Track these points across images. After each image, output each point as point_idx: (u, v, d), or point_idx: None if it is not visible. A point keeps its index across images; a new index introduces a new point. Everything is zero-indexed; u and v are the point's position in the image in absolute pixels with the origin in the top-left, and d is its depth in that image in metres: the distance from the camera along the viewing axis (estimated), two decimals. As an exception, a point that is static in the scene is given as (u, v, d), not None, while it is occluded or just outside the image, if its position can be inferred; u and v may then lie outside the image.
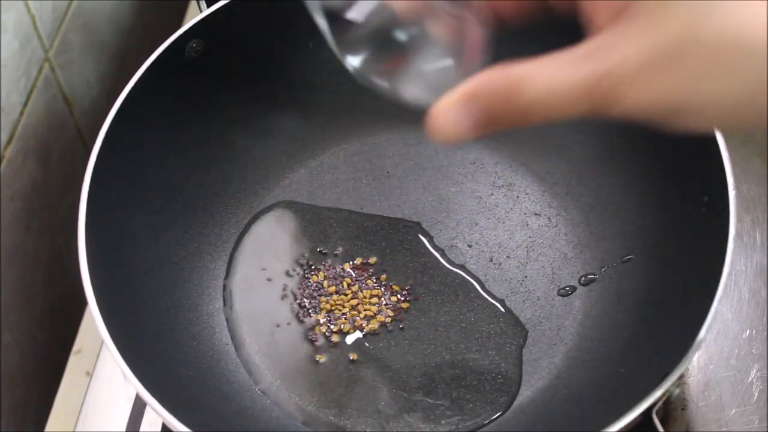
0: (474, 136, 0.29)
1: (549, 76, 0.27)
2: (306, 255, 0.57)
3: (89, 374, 0.57)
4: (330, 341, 0.53)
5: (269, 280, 0.56)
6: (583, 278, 0.54)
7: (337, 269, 0.56)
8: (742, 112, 0.26)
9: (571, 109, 0.27)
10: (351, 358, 0.52)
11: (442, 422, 0.50)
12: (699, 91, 0.25)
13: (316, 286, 0.55)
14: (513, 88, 0.27)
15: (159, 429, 0.54)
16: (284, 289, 0.56)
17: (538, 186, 0.59)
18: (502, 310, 0.54)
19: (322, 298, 0.55)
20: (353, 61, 0.33)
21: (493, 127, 0.28)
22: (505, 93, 0.27)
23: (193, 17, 0.54)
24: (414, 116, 0.61)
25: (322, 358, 0.53)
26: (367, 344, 0.53)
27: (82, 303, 0.45)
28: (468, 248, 0.57)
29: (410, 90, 0.33)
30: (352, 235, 0.58)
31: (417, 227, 0.58)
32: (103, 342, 0.43)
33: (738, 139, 0.62)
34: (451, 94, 0.28)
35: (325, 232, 0.58)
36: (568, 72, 0.27)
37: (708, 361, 0.52)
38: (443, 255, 0.56)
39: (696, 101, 0.26)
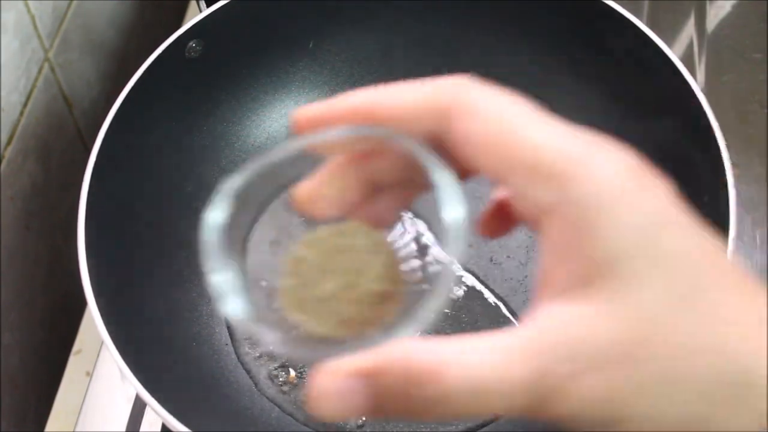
0: (360, 416, 0.23)
1: (475, 368, 0.21)
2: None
3: (89, 374, 0.57)
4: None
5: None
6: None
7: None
8: None
9: (498, 408, 0.22)
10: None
11: (443, 422, 0.50)
12: (644, 402, 0.21)
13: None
14: (424, 378, 0.21)
15: (159, 429, 0.54)
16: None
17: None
18: (503, 310, 0.54)
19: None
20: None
21: (389, 414, 0.23)
22: (415, 381, 0.21)
23: (193, 17, 0.54)
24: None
25: (322, 358, 0.53)
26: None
27: (82, 303, 0.45)
28: (468, 248, 0.57)
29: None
30: (352, 235, 0.58)
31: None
32: (103, 342, 0.43)
33: (738, 139, 0.62)
34: (344, 362, 0.23)
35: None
36: (503, 364, 0.21)
37: (708, 361, 0.52)
38: (443, 255, 0.56)
39: (630, 413, 0.21)
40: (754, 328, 0.22)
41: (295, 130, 0.26)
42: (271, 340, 0.24)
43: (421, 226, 0.28)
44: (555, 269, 0.23)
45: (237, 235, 0.27)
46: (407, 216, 0.28)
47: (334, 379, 0.23)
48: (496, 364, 0.21)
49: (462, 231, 0.24)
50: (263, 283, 0.29)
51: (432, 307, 0.23)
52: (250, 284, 0.27)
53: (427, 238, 0.28)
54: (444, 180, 0.24)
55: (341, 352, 0.22)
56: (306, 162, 0.26)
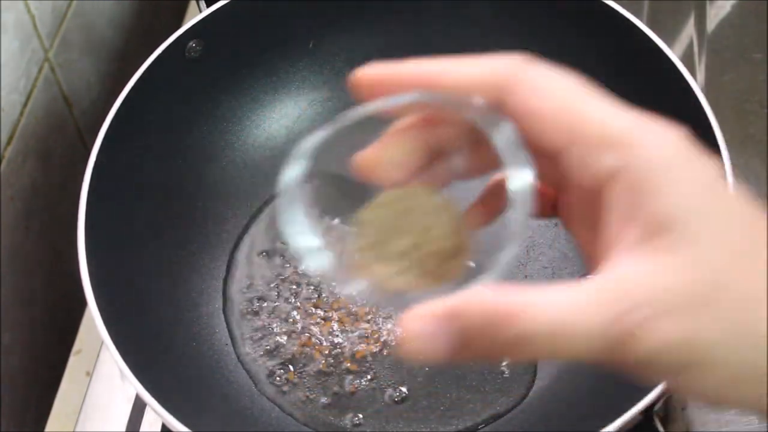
0: (446, 359, 0.24)
1: (555, 314, 0.23)
2: (306, 255, 0.57)
3: (89, 374, 0.57)
4: (330, 342, 0.53)
5: (269, 280, 0.56)
6: (583, 278, 0.54)
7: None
8: (752, 386, 0.23)
9: (575, 351, 0.23)
10: (350, 367, 0.53)
11: (443, 422, 0.50)
12: (720, 346, 0.23)
13: (317, 287, 0.55)
14: (506, 319, 0.23)
15: (159, 429, 0.54)
16: (285, 290, 0.56)
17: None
18: (502, 310, 0.54)
19: (321, 300, 0.55)
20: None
21: (472, 356, 0.24)
22: (496, 322, 0.23)
23: (193, 17, 0.54)
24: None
25: (322, 358, 0.53)
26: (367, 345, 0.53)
27: (82, 303, 0.45)
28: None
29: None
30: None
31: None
32: (103, 342, 0.43)
33: (738, 139, 0.62)
34: (431, 305, 0.24)
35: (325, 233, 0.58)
36: (580, 311, 0.23)
37: (708, 361, 0.52)
38: (443, 255, 0.56)
39: (710, 357, 0.23)
40: None
41: (354, 90, 0.27)
42: (360, 288, 0.27)
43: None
44: (620, 229, 0.24)
45: (310, 196, 0.28)
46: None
47: (422, 322, 0.23)
48: (575, 308, 0.23)
49: (529, 194, 0.25)
50: (335, 243, 0.29)
51: (507, 256, 0.25)
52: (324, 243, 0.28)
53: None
54: (509, 145, 0.25)
55: (425, 299, 0.24)
56: (370, 127, 0.27)
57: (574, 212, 0.28)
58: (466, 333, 0.23)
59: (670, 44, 0.51)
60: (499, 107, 0.25)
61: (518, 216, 0.25)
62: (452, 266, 0.27)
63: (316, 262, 0.27)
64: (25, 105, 0.59)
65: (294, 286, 0.56)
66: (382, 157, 0.28)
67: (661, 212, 0.23)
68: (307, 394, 0.52)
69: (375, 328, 0.54)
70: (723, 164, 0.45)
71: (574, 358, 0.24)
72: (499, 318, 0.23)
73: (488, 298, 0.23)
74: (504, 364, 0.52)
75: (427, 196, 0.28)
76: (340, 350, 0.53)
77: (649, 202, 0.24)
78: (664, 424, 0.47)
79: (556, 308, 0.23)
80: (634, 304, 0.23)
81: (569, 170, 0.25)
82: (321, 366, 0.52)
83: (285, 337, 0.54)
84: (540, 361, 0.48)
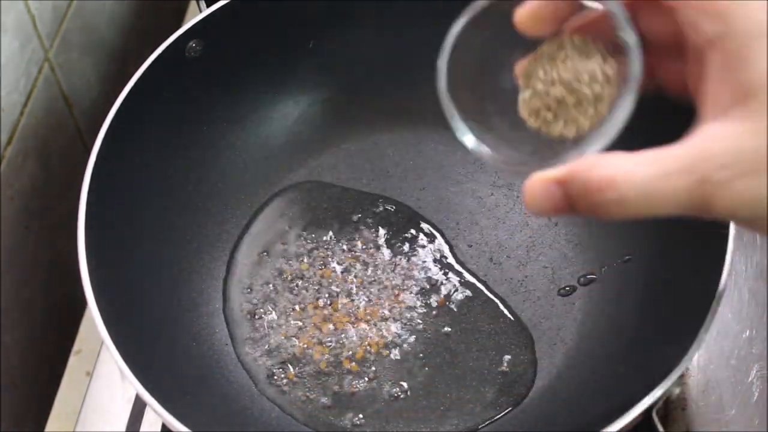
0: (556, 215, 0.30)
1: (643, 179, 0.27)
2: (306, 254, 0.57)
3: (89, 374, 0.57)
4: (330, 342, 0.53)
5: (269, 280, 0.56)
6: (582, 278, 0.54)
7: (338, 270, 0.56)
8: None
9: (666, 209, 0.27)
10: (350, 367, 0.53)
11: (443, 422, 0.50)
12: None
13: (317, 287, 0.55)
14: (602, 186, 0.27)
15: (159, 429, 0.54)
16: (285, 290, 0.56)
17: (538, 186, 0.59)
18: (503, 310, 0.54)
19: (321, 300, 0.55)
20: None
21: (575, 213, 0.29)
22: (595, 188, 0.28)
23: (193, 17, 0.54)
24: (415, 116, 0.61)
25: (322, 358, 0.53)
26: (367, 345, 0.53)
27: (82, 303, 0.45)
28: (468, 248, 0.57)
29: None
30: (352, 235, 0.58)
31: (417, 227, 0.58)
32: (103, 342, 0.43)
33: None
34: (549, 171, 0.29)
35: (325, 233, 0.58)
36: (666, 174, 0.27)
37: (708, 361, 0.52)
38: (443, 255, 0.56)
39: None
40: None
41: None
42: (498, 159, 0.33)
43: None
44: (716, 92, 0.28)
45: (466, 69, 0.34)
46: None
47: (540, 185, 0.29)
48: (665, 172, 0.27)
49: (639, 51, 0.30)
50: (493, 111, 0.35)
51: (620, 118, 0.30)
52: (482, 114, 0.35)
53: None
54: (620, 11, 0.30)
55: (547, 166, 0.30)
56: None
57: (692, 76, 0.30)
58: (570, 195, 0.29)
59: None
60: None
61: (632, 66, 0.30)
62: (597, 111, 0.33)
63: (468, 141, 0.34)
64: (25, 105, 0.59)
65: (294, 286, 0.56)
66: (538, 10, 0.32)
67: (748, 79, 0.26)
68: (307, 394, 0.52)
69: (375, 328, 0.54)
70: None
71: (663, 215, 0.27)
72: (596, 185, 0.28)
73: (587, 168, 0.28)
74: (504, 364, 0.52)
75: (576, 44, 0.33)
76: (340, 350, 0.53)
77: (739, 70, 0.27)
78: (664, 424, 0.47)
79: (647, 175, 0.27)
80: (714, 167, 0.26)
81: (683, 28, 0.29)
82: (321, 366, 0.52)
83: (285, 337, 0.54)
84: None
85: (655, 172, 0.27)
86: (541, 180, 0.30)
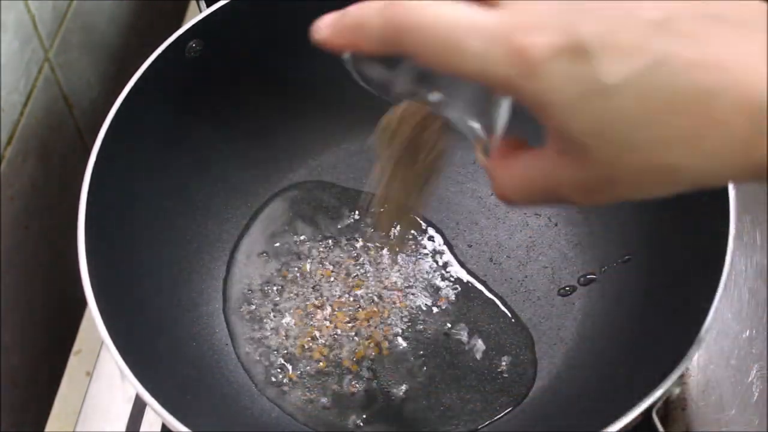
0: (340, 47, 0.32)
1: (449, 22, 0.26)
2: (306, 254, 0.57)
3: (89, 374, 0.57)
4: (330, 342, 0.53)
5: (269, 280, 0.56)
6: (582, 278, 0.54)
7: (338, 270, 0.56)
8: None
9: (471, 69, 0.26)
10: (350, 367, 0.53)
11: (443, 422, 0.50)
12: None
13: (317, 287, 0.55)
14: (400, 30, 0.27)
15: (159, 429, 0.54)
16: (285, 290, 0.56)
17: (538, 186, 0.59)
18: (503, 310, 0.54)
19: (321, 300, 0.55)
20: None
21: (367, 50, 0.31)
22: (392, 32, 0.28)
23: (193, 17, 0.54)
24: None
25: (322, 358, 0.53)
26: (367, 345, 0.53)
27: (82, 303, 0.45)
28: (468, 248, 0.57)
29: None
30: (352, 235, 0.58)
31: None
32: (103, 342, 0.43)
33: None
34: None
35: (325, 233, 0.58)
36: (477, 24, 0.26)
37: (708, 361, 0.52)
38: (443, 255, 0.56)
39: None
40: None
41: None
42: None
43: None
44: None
45: None
46: None
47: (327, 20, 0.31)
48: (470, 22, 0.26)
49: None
50: None
51: None
52: None
53: None
54: None
55: None
56: None
57: None
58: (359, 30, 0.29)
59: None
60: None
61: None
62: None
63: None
64: (25, 105, 0.59)
65: (294, 286, 0.56)
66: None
67: None
68: (307, 394, 0.52)
69: (375, 328, 0.54)
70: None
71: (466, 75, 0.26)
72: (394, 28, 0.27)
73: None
74: (504, 364, 0.52)
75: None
76: (340, 350, 0.53)
77: None
78: (664, 424, 0.47)
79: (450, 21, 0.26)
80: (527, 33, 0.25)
81: None
82: (321, 366, 0.52)
83: (285, 337, 0.54)
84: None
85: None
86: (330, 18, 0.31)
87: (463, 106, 0.31)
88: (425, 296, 0.55)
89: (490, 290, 0.55)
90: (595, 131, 0.25)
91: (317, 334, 0.54)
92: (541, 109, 0.26)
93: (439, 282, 0.55)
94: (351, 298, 0.55)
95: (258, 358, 0.53)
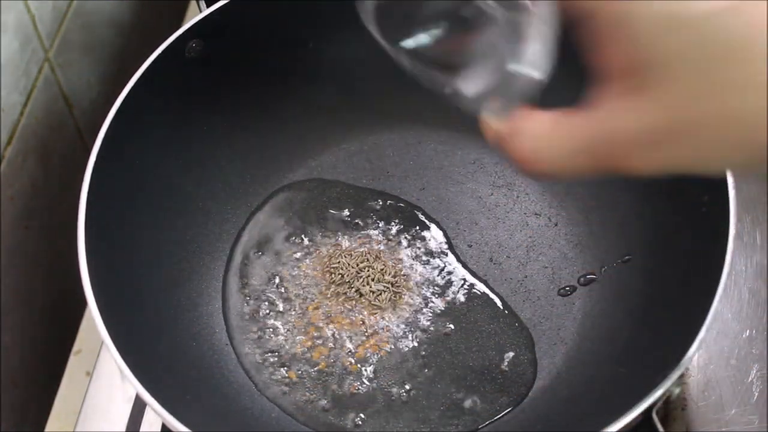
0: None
1: (553, 160, 0.29)
2: (306, 254, 0.57)
3: (89, 374, 0.57)
4: (330, 342, 0.53)
5: (269, 280, 0.56)
6: (583, 278, 0.54)
7: (338, 270, 0.56)
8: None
9: (578, 176, 0.29)
10: (350, 367, 0.53)
11: (443, 422, 0.50)
12: (702, 164, 0.27)
13: (317, 287, 0.55)
14: (521, 160, 0.30)
15: (159, 429, 0.54)
16: (285, 290, 0.56)
17: (538, 186, 0.59)
18: (502, 310, 0.54)
19: (321, 300, 0.55)
20: (409, 42, 0.33)
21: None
22: (517, 159, 0.30)
23: (193, 17, 0.54)
24: (414, 116, 0.61)
25: (322, 358, 0.53)
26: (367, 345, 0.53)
27: (82, 303, 0.45)
28: (468, 248, 0.57)
29: (470, 84, 0.32)
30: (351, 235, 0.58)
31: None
32: (103, 342, 0.43)
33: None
34: (492, 122, 0.31)
35: (325, 232, 0.58)
36: (571, 155, 0.28)
37: (708, 361, 0.52)
38: (443, 255, 0.56)
39: (699, 169, 0.27)
40: None
41: None
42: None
43: None
44: (611, 56, 0.27)
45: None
46: None
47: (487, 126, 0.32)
48: (568, 153, 0.28)
49: None
50: None
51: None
52: None
53: None
54: None
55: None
56: None
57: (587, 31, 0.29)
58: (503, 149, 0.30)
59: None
60: None
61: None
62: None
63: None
64: (25, 105, 0.59)
65: (294, 286, 0.56)
66: None
67: (644, 52, 0.25)
68: (307, 394, 0.52)
69: (375, 328, 0.54)
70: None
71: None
72: (518, 158, 0.29)
73: (510, 134, 0.30)
74: (504, 364, 0.52)
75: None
76: (340, 350, 0.53)
77: (634, 41, 0.26)
78: (664, 424, 0.47)
79: (558, 155, 0.28)
80: (614, 145, 0.27)
81: None
82: (321, 366, 0.52)
83: (285, 337, 0.54)
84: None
85: (560, 153, 0.28)
86: (487, 125, 0.31)
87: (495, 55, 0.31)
88: (425, 296, 0.55)
89: (491, 290, 0.55)
90: (681, 58, 0.25)
91: (317, 334, 0.54)
92: (626, 27, 0.25)
93: (439, 282, 0.55)
94: (351, 298, 0.55)
95: (258, 358, 0.53)
